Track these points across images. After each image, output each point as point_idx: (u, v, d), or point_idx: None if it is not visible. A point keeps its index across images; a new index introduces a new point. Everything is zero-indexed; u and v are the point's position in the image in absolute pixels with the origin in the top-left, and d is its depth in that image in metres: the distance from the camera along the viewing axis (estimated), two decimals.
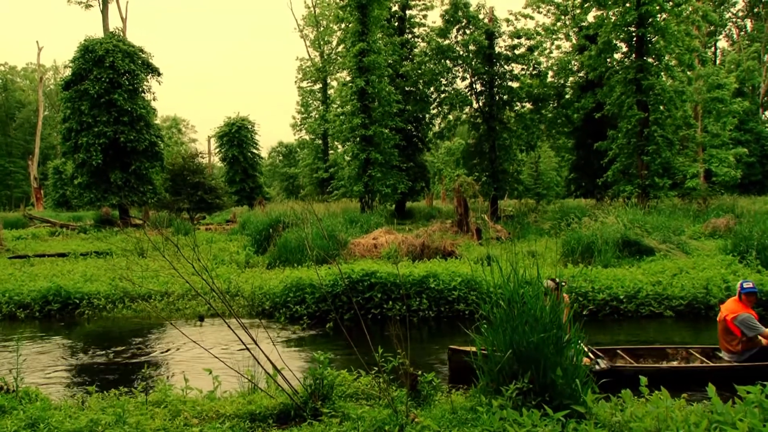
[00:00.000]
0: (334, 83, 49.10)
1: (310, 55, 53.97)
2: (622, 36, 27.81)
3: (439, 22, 33.43)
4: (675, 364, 7.73)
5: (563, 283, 7.60)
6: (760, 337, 7.36)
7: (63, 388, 7.88)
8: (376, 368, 5.78)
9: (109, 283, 13.66)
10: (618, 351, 7.94)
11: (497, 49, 32.85)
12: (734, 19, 58.84)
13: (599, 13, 29.23)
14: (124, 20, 41.55)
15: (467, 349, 7.53)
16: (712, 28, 44.44)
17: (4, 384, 6.17)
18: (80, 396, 6.22)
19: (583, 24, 32.28)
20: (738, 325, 7.38)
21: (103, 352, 9.75)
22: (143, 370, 8.34)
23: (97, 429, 4.95)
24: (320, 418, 5.09)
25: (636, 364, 7.40)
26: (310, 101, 53.74)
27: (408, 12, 36.50)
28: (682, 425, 4.12)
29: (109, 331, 11.49)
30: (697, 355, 7.82)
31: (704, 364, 7.40)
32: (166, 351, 9.83)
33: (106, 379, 8.14)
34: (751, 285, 7.50)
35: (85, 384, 7.66)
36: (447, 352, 7.70)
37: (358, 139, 29.99)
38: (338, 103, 38.33)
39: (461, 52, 32.77)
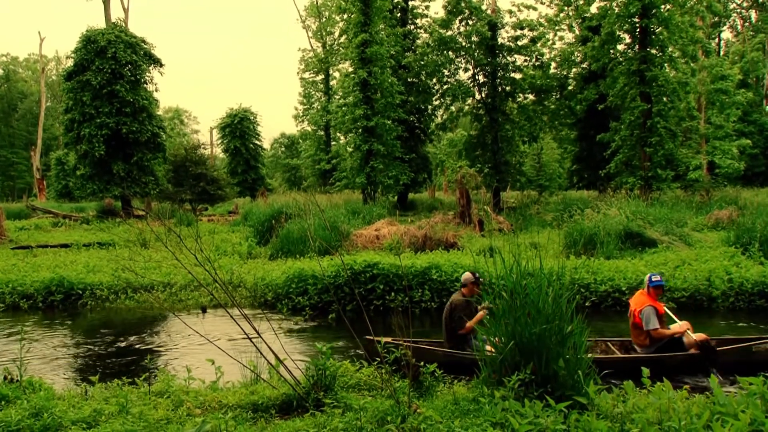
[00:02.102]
0: (337, 74, 48.91)
1: (312, 46, 53.82)
2: (625, 27, 27.64)
3: (442, 13, 33.23)
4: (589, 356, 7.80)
5: (481, 279, 7.75)
6: (662, 330, 7.50)
7: (66, 378, 7.92)
8: (379, 359, 5.79)
9: (111, 274, 13.71)
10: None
11: (500, 40, 32.67)
12: (739, 10, 58.50)
13: (603, 3, 29.03)
14: (126, 11, 41.35)
15: (385, 339, 7.59)
16: (716, 18, 44.11)
17: (9, 374, 6.20)
18: (83, 386, 6.25)
19: (587, 15, 32.06)
20: (641, 316, 7.58)
21: (106, 342, 9.79)
22: (146, 361, 8.37)
23: (100, 419, 4.98)
24: (323, 409, 5.10)
25: None
26: (313, 92, 53.62)
27: (410, 3, 36.29)
28: (684, 416, 4.13)
29: (111, 321, 11.53)
30: (614, 348, 7.95)
31: (609, 356, 7.47)
32: (169, 342, 9.86)
33: (109, 370, 8.17)
34: (659, 278, 7.70)
35: (88, 374, 7.69)
36: (363, 341, 7.79)
37: (360, 130, 29.92)
38: (340, 94, 38.21)
39: (464, 44, 32.60)
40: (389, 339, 7.63)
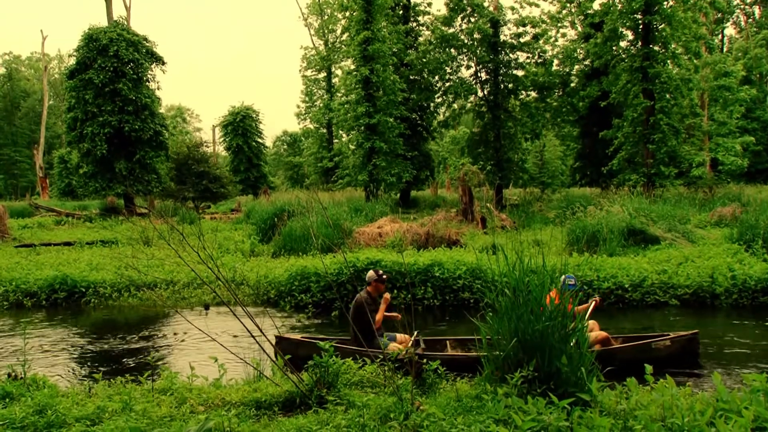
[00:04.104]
0: (339, 72, 48.89)
1: (314, 44, 53.79)
2: (628, 23, 27.56)
3: (444, 11, 33.20)
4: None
5: (384, 276, 7.90)
6: None
7: (70, 375, 7.94)
8: (381, 356, 5.80)
9: (114, 272, 13.73)
10: (447, 341, 8.13)
11: (502, 38, 32.63)
12: (742, 6, 58.28)
13: (605, 0, 29.00)
14: (127, 9, 41.31)
15: (293, 337, 7.60)
16: (719, 15, 43.90)
17: (13, 371, 6.22)
18: (87, 383, 6.27)
19: (589, 12, 32.00)
20: None
21: (109, 340, 9.81)
22: (149, 358, 8.39)
23: (103, 416, 4.99)
24: (325, 406, 5.10)
25: (430, 352, 7.35)
26: (315, 90, 53.59)
27: (412, 0, 36.28)
28: (687, 413, 4.12)
29: (114, 319, 11.56)
30: None
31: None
32: (172, 339, 9.88)
33: (112, 367, 8.20)
34: (572, 282, 7.69)
35: (91, 372, 7.71)
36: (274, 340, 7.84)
37: (362, 127, 29.91)
38: (342, 91, 38.18)
39: (466, 41, 32.56)
40: (300, 337, 7.69)
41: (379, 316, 7.62)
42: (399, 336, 7.92)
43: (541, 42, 33.02)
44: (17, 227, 24.92)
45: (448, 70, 33.67)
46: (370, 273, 7.89)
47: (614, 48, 28.83)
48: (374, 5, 29.54)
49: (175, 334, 10.26)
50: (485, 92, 33.30)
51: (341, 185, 36.42)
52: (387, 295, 7.81)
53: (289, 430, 4.58)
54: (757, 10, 58.77)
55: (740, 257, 12.49)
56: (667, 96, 26.68)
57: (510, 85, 32.93)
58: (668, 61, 27.05)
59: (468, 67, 33.90)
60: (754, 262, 12.00)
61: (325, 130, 51.66)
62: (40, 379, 6.10)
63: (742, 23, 58.87)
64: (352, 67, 31.90)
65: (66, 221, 28.34)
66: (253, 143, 46.76)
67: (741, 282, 11.22)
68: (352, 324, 7.57)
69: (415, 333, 8.01)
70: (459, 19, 32.80)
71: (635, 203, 17.75)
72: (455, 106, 35.36)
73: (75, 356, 8.97)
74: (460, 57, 33.57)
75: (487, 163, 32.05)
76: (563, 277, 7.79)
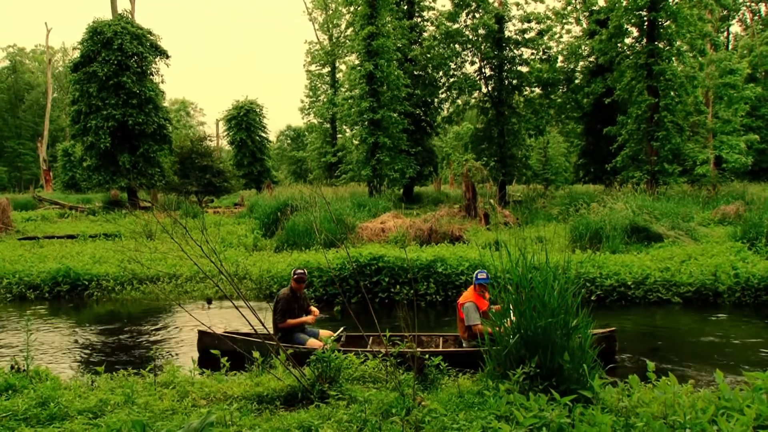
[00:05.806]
0: (343, 67, 48.82)
1: (318, 39, 53.71)
2: (633, 20, 27.46)
3: (449, 6, 33.14)
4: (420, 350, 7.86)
5: (297, 276, 7.98)
6: (482, 326, 7.43)
7: (72, 368, 7.97)
8: (383, 352, 5.80)
9: (117, 265, 13.76)
10: (370, 337, 8.17)
11: (507, 34, 32.55)
12: (748, 3, 57.96)
13: None
14: (132, 2, 41.26)
15: (216, 332, 7.64)
16: (725, 12, 43.60)
17: (15, 363, 6.24)
18: (89, 376, 6.28)
19: (594, 8, 31.87)
20: (463, 311, 7.65)
21: (112, 333, 9.84)
22: (151, 352, 8.40)
23: (106, 409, 5.01)
24: (327, 401, 5.11)
25: (351, 348, 7.37)
26: (319, 85, 53.53)
27: None
28: (689, 411, 4.11)
29: (117, 312, 11.58)
30: (447, 342, 8.14)
31: (429, 349, 7.55)
32: (174, 333, 9.90)
33: (114, 360, 8.22)
34: (484, 276, 7.71)
35: (94, 364, 7.73)
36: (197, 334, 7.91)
37: (366, 123, 29.89)
38: (346, 86, 38.16)
39: (470, 37, 32.49)
40: (223, 331, 7.73)
41: (292, 322, 7.87)
42: (322, 332, 8.12)
43: (545, 38, 32.92)
44: (21, 220, 24.98)
45: (453, 65, 33.62)
46: (293, 271, 8.09)
47: (619, 45, 28.74)
48: (379, 0, 29.47)
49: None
50: (489, 88, 33.24)
51: (344, 180, 36.41)
52: (316, 312, 8.13)
53: (290, 424, 4.58)
54: (763, 7, 58.41)
55: (743, 255, 12.46)
56: (672, 93, 26.59)
57: (514, 81, 32.87)
58: (673, 59, 26.93)
59: (472, 63, 33.89)
60: (758, 261, 11.98)
61: (328, 125, 51.65)
62: (42, 371, 6.12)
63: (748, 20, 58.57)
64: (357, 62, 31.86)
65: (69, 214, 28.39)
66: (257, 137, 46.73)
67: (744, 280, 11.19)
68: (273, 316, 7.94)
69: (341, 329, 8.12)
70: (464, 14, 32.73)
71: (639, 200, 17.72)
72: (459, 101, 35.31)
73: (77, 349, 8.99)
74: (465, 53, 33.50)
75: (491, 159, 32.00)
76: (476, 271, 7.81)
